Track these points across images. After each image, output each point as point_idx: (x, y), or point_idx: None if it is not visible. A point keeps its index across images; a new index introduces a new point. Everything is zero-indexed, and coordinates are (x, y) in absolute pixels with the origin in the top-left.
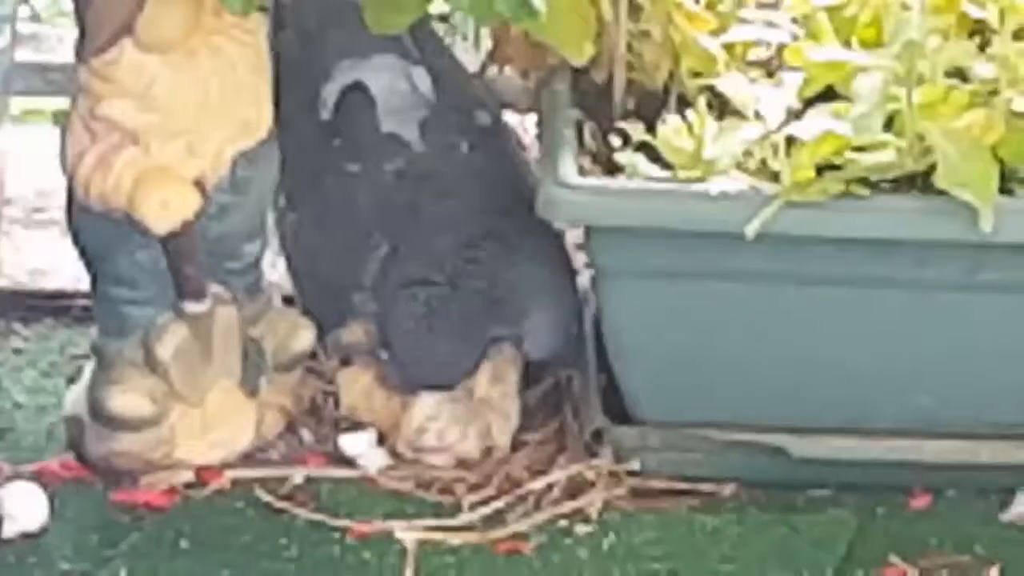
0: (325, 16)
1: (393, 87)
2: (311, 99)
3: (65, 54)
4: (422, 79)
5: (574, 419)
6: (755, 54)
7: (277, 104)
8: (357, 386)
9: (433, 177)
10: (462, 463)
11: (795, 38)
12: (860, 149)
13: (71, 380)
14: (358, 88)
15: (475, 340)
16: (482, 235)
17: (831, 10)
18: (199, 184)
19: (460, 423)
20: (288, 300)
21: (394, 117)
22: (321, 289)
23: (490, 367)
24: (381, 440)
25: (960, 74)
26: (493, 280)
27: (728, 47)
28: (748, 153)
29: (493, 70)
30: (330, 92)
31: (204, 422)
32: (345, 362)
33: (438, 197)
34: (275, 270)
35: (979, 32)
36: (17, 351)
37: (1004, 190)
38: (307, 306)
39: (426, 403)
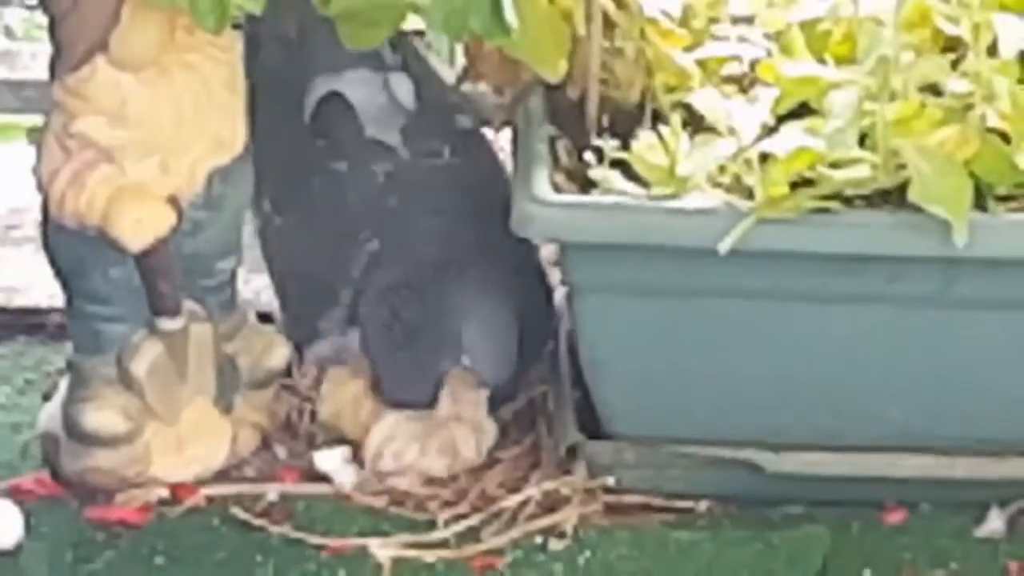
0: (305, 27)
1: (371, 99)
2: (295, 103)
3: (39, 71)
4: (401, 86)
5: (549, 435)
6: (729, 70)
7: (261, 110)
8: (344, 393)
9: (417, 182)
10: (434, 480)
11: (769, 54)
12: (834, 165)
13: (46, 397)
14: (336, 96)
15: (427, 371)
16: (437, 258)
17: (805, 26)
18: (173, 201)
19: (418, 440)
20: (263, 317)
21: (375, 126)
22: (306, 289)
23: (448, 393)
24: (355, 455)
25: (934, 90)
26: (434, 301)
27: (702, 63)
28: (722, 169)
29: (467, 86)
30: (309, 104)
31: (179, 439)
32: (331, 363)
33: (421, 203)
34: (249, 287)
35: (953, 48)
36: None
37: (978, 206)
38: (289, 310)
39: (384, 425)
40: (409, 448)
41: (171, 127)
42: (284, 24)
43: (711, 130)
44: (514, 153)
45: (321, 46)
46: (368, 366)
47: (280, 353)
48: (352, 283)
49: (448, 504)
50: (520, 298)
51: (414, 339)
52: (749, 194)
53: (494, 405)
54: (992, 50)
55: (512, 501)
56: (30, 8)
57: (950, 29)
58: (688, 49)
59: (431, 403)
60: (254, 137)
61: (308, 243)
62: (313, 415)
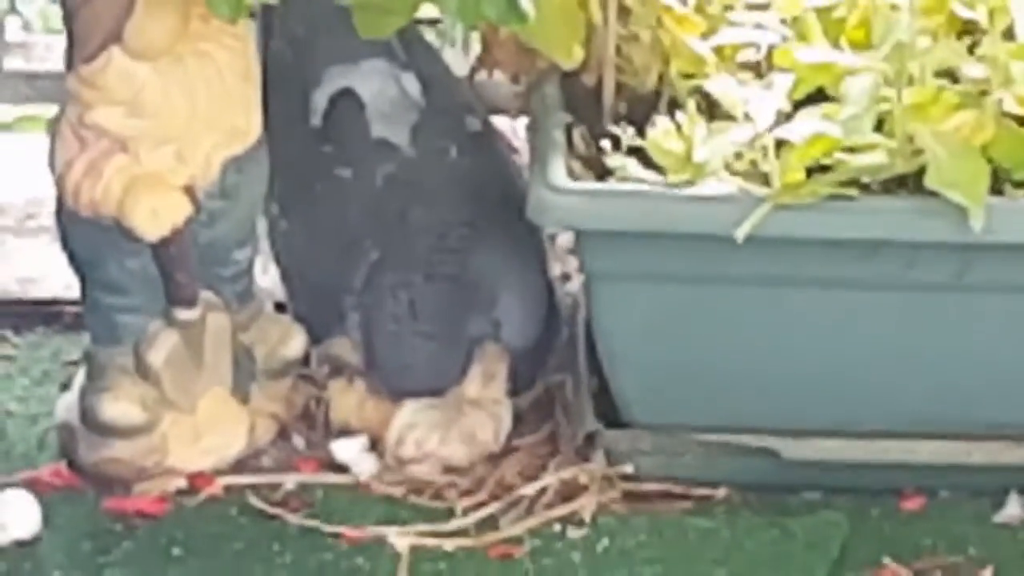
0: (314, 22)
1: (383, 92)
2: (301, 106)
3: (55, 63)
4: (412, 84)
5: (566, 423)
6: (745, 56)
7: (267, 111)
8: (349, 398)
9: (423, 182)
10: (452, 468)
11: (784, 40)
12: (850, 150)
13: (63, 388)
14: (348, 94)
15: (456, 339)
16: (455, 224)
17: (820, 12)
18: (189, 191)
19: (440, 428)
20: (280, 307)
21: (384, 122)
22: (313, 295)
23: (480, 369)
24: (373, 445)
25: (950, 75)
26: (464, 265)
27: (718, 49)
28: (738, 155)
29: (482, 74)
30: (320, 98)
31: (196, 429)
32: (335, 372)
33: (427, 202)
34: (266, 276)
35: (969, 32)
36: (8, 359)
37: (994, 190)
38: (299, 312)
39: (405, 412)
40: (430, 436)
41: (186, 117)
42: (292, 21)
43: (727, 117)
44: (530, 141)
45: (334, 38)
46: (366, 366)
47: (297, 343)
48: (354, 293)
49: (466, 493)
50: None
51: (436, 323)
52: (765, 181)
53: (514, 392)
54: (1008, 34)
55: (530, 489)
56: None
57: (966, 13)
58: (704, 36)
59: (452, 383)
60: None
61: (312, 250)
62: (330, 405)
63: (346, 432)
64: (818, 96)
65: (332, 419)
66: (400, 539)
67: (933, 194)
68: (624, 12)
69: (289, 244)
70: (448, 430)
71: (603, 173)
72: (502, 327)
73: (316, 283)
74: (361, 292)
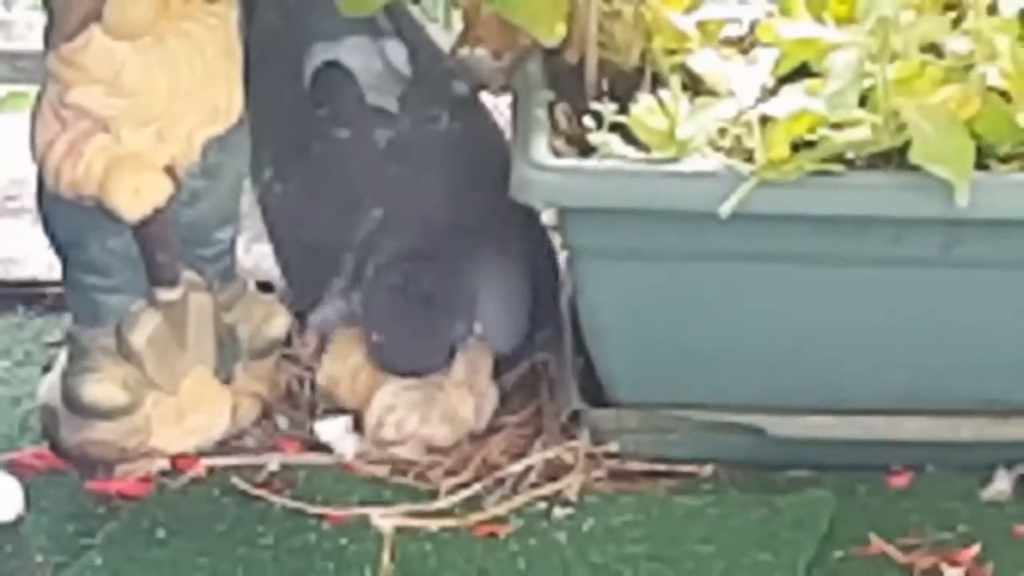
0: None
1: (368, 67)
2: (294, 68)
3: (35, 42)
4: (397, 53)
5: (551, 402)
6: (728, 32)
7: (258, 78)
8: (346, 359)
9: (417, 150)
10: (436, 448)
11: (768, 15)
12: (835, 126)
13: (45, 369)
14: (335, 65)
15: (440, 336)
16: (448, 224)
17: None
18: (170, 170)
19: (420, 408)
20: (263, 286)
21: (374, 93)
22: (307, 259)
23: (464, 360)
24: (357, 425)
25: (934, 49)
26: (455, 271)
27: (701, 25)
28: (722, 132)
29: (464, 51)
30: (308, 71)
31: (179, 410)
32: (324, 342)
33: (421, 171)
34: (249, 255)
35: (953, 7)
36: None
37: (980, 165)
38: (291, 278)
39: (383, 395)
40: (410, 417)
41: (167, 96)
42: None
43: (711, 93)
44: (513, 118)
45: (318, 13)
46: (367, 335)
47: (280, 322)
48: (355, 250)
49: (450, 472)
50: (530, 262)
51: (427, 306)
52: (750, 157)
53: (498, 371)
54: (993, 8)
55: (515, 468)
56: None
57: None
58: (687, 11)
59: (435, 370)
60: (253, 103)
61: (310, 210)
62: (314, 384)
63: (327, 401)
64: (802, 71)
65: (321, 376)
66: (384, 520)
67: (918, 169)
68: None
69: (284, 207)
70: (429, 409)
71: (586, 150)
72: (483, 335)
73: (312, 244)
74: (360, 250)
